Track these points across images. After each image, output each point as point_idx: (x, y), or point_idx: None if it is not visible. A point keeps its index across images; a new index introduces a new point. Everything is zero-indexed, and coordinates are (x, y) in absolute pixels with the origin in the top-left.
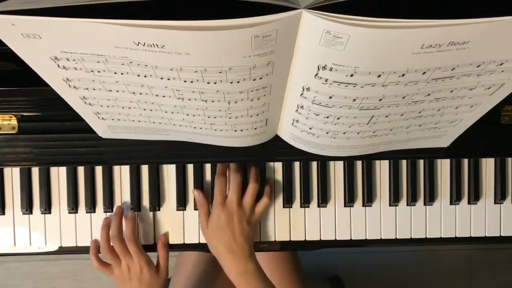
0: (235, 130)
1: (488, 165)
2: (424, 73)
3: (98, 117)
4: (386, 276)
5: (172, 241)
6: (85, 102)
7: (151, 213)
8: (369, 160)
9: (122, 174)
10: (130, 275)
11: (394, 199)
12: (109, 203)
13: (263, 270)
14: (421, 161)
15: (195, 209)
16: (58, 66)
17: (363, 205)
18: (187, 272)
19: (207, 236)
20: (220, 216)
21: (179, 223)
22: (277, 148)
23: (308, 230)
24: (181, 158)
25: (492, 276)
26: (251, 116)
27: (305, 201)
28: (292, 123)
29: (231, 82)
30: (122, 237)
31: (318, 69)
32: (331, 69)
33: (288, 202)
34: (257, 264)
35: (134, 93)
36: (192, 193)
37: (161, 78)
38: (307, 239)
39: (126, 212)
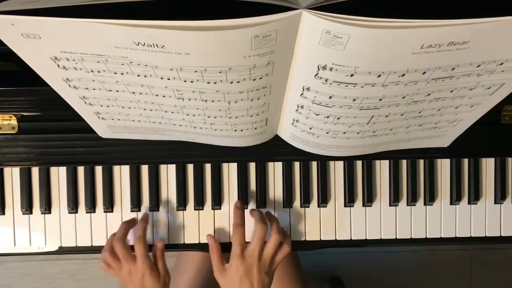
0: (235, 130)
1: (488, 165)
2: (424, 73)
3: (98, 117)
4: (386, 276)
5: (172, 241)
6: (85, 102)
7: (151, 213)
8: (369, 160)
9: (122, 174)
10: (132, 279)
11: (394, 199)
12: (109, 203)
13: None
14: (421, 161)
15: (195, 209)
16: (58, 66)
17: (363, 205)
18: (190, 273)
19: (222, 282)
20: (239, 267)
21: (179, 223)
22: (277, 148)
23: (308, 230)
24: (181, 158)
25: (492, 276)
26: (251, 116)
27: (305, 201)
28: (292, 123)
29: (231, 82)
30: (125, 242)
31: (318, 69)
32: (331, 69)
33: (288, 202)
34: None
35: (134, 93)
36: (206, 238)
37: (161, 78)
38: (307, 239)
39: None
